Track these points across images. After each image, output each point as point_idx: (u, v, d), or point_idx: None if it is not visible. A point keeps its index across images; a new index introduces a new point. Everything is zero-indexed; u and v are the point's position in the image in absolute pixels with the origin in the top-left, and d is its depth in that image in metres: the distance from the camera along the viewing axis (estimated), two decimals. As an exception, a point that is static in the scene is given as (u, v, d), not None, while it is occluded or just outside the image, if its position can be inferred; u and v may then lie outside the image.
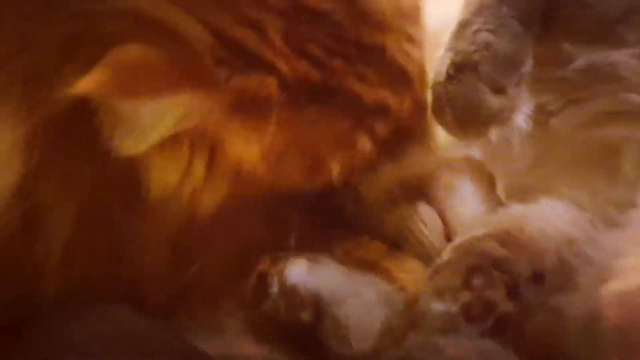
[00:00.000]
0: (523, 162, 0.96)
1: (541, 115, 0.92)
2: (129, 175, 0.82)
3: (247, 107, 0.80)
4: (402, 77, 0.88)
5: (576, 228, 0.88)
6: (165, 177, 0.82)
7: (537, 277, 0.84)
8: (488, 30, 0.87)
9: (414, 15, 0.89)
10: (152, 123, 0.77)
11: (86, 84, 0.73)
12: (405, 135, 0.90)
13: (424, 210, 0.98)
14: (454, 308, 0.80)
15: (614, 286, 0.75)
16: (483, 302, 0.81)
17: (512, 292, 0.82)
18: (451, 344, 0.77)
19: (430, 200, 0.99)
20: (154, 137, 0.78)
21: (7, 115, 0.80)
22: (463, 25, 0.89)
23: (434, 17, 1.01)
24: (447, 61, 0.87)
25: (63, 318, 0.86)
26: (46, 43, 0.80)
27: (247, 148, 0.82)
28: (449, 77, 0.87)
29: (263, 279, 0.91)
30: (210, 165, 0.83)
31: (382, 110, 0.87)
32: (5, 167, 0.81)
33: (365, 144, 0.87)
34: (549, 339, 0.80)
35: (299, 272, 0.91)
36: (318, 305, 0.89)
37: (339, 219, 1.01)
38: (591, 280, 0.78)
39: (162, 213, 0.84)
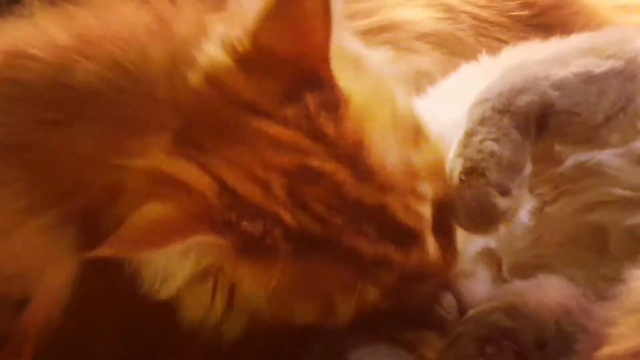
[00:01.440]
0: (523, 244, 1.01)
1: (539, 204, 0.98)
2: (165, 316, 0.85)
3: (254, 252, 0.82)
4: (405, 234, 0.86)
5: (572, 300, 0.93)
6: (194, 312, 0.85)
7: (541, 345, 0.90)
8: (492, 140, 0.91)
9: (434, 170, 0.90)
10: (173, 268, 0.81)
11: (107, 248, 0.77)
12: (413, 282, 0.90)
13: (443, 294, 1.01)
14: None
15: (606, 351, 0.78)
16: None
17: (521, 358, 0.88)
18: None
19: (447, 285, 1.02)
20: (178, 280, 0.82)
21: (62, 251, 0.86)
22: (469, 135, 0.93)
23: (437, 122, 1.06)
24: (459, 167, 0.91)
25: None
26: (92, 191, 0.85)
27: (256, 291, 0.84)
28: (461, 181, 0.91)
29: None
30: (229, 300, 0.85)
31: (384, 263, 0.86)
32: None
33: (371, 292, 0.87)
34: None
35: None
36: None
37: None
38: (587, 347, 0.82)
39: (193, 344, 0.87)
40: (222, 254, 0.81)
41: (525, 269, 1.00)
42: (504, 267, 1.03)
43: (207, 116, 0.86)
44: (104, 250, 0.76)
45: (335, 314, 0.87)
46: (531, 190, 0.97)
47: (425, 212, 0.87)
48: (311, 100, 0.85)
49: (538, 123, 0.95)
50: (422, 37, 1.26)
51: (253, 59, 0.86)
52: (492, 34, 1.31)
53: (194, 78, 0.87)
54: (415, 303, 0.95)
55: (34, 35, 0.92)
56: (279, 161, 0.83)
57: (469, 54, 1.18)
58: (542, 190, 0.98)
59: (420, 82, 1.16)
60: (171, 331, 0.87)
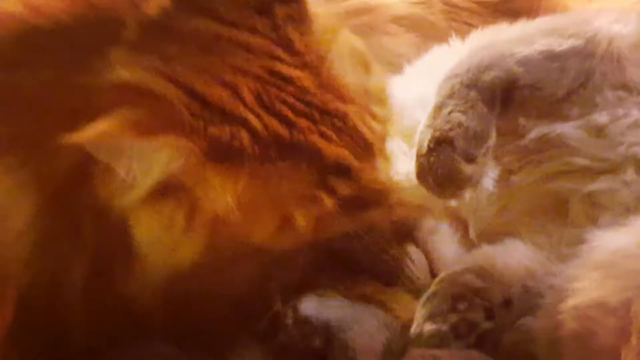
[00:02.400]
0: (490, 211, 1.05)
1: (504, 174, 1.02)
2: (124, 231, 0.84)
3: (222, 156, 0.82)
4: (363, 145, 0.88)
5: (536, 264, 0.98)
6: (151, 231, 0.85)
7: (507, 303, 0.95)
8: (460, 111, 0.96)
9: (379, 96, 0.92)
10: (144, 168, 0.80)
11: (87, 134, 0.76)
12: (365, 200, 0.90)
13: (413, 251, 1.07)
14: (444, 327, 0.92)
15: (570, 302, 0.83)
16: (467, 322, 0.92)
17: (489, 314, 0.94)
18: (446, 353, 0.88)
19: (417, 242, 1.08)
20: (146, 182, 0.81)
21: (22, 185, 0.85)
22: (439, 107, 0.98)
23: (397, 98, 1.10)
24: (428, 137, 0.97)
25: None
26: (50, 112, 0.84)
27: (222, 197, 0.83)
28: (430, 150, 0.96)
29: (277, 314, 0.99)
30: (189, 217, 0.84)
31: (343, 169, 0.87)
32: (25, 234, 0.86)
33: (327, 201, 0.87)
34: (520, 349, 0.91)
35: (311, 305, 1.00)
36: (328, 332, 0.98)
37: (341, 262, 1.08)
38: (553, 300, 0.87)
39: (148, 261, 0.86)
40: (191, 157, 0.81)
41: (493, 235, 1.05)
42: (472, 233, 1.08)
43: (168, 26, 0.87)
44: (82, 136, 0.76)
45: (294, 228, 0.88)
46: (497, 161, 1.02)
47: (379, 130, 0.90)
48: (279, 11, 0.88)
49: (503, 97, 0.99)
50: (397, 20, 1.30)
51: None
52: (462, 18, 1.36)
53: None
54: (372, 247, 1.02)
55: None
56: (247, 66, 0.85)
57: (441, 37, 1.22)
58: (508, 161, 1.03)
59: (395, 62, 1.22)
60: (126, 254, 0.86)
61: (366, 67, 0.94)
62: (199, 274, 0.87)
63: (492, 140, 0.98)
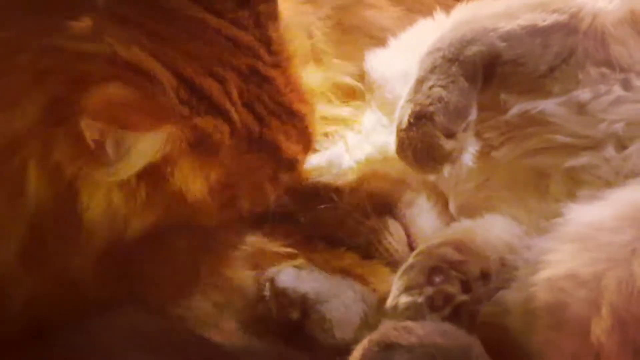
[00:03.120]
0: (470, 186, 1.06)
1: (485, 149, 1.02)
2: (71, 195, 0.84)
3: (201, 146, 0.85)
4: (309, 142, 0.97)
5: (514, 238, 0.99)
6: (108, 200, 0.85)
7: (484, 276, 0.96)
8: (441, 86, 0.96)
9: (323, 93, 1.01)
10: (141, 152, 0.81)
11: (98, 101, 0.78)
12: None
13: (391, 224, 1.08)
14: (420, 300, 0.92)
15: (544, 274, 0.84)
16: (443, 294, 0.93)
17: (465, 287, 0.94)
18: (419, 326, 0.87)
19: (395, 215, 1.09)
20: (132, 167, 0.82)
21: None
22: (420, 82, 0.98)
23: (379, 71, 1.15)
24: (408, 111, 0.96)
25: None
26: (20, 69, 0.83)
27: (192, 182, 0.86)
28: (410, 124, 0.95)
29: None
30: (152, 192, 0.86)
31: (292, 164, 0.95)
32: None
33: (270, 192, 0.94)
34: (495, 321, 0.91)
35: (288, 277, 1.01)
36: (305, 304, 0.99)
37: (318, 233, 1.10)
38: (526, 273, 0.88)
39: (95, 230, 0.87)
40: (177, 145, 0.84)
41: (473, 210, 1.06)
42: (452, 207, 1.08)
43: (153, 3, 0.88)
44: (87, 123, 0.77)
45: (237, 210, 0.94)
46: (478, 136, 1.01)
47: (317, 127, 0.99)
48: (262, 8, 0.91)
49: (485, 73, 0.99)
50: (382, -7, 1.29)
51: None
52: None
53: None
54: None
55: None
56: (234, 61, 0.88)
57: (426, 11, 1.21)
58: (489, 136, 1.03)
59: (379, 35, 1.21)
60: (70, 222, 0.87)
61: (318, 62, 1.01)
62: (141, 243, 0.90)
63: (473, 115, 0.98)
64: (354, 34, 1.24)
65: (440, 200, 1.10)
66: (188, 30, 0.87)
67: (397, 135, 0.98)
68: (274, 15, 0.92)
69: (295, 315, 1.00)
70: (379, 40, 1.21)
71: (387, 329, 0.89)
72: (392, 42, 1.21)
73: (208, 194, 0.89)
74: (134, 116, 0.80)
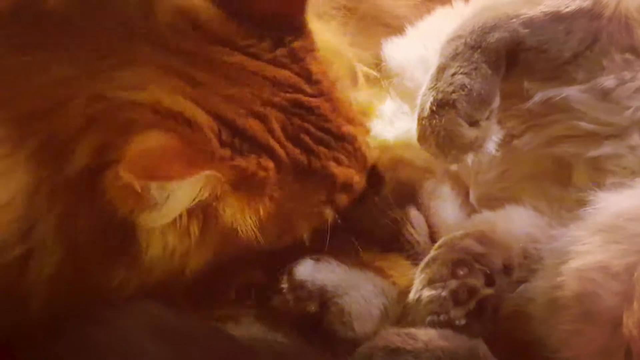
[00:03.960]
0: (491, 176, 1.05)
1: (506, 138, 1.01)
2: (125, 231, 0.85)
3: (246, 185, 0.87)
4: (363, 161, 0.97)
5: (536, 229, 0.98)
6: (164, 237, 0.86)
7: (507, 269, 0.95)
8: (463, 73, 0.95)
9: (365, 109, 1.00)
10: (179, 198, 0.82)
11: (136, 151, 0.79)
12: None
13: (413, 215, 1.06)
14: (443, 293, 0.91)
15: (573, 264, 0.84)
16: (467, 288, 0.92)
17: (489, 280, 0.93)
18: (422, 332, 0.88)
19: (418, 206, 1.07)
20: (174, 211, 0.84)
21: (18, 162, 0.85)
22: (442, 69, 0.97)
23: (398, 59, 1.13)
24: (430, 99, 0.95)
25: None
26: (69, 114, 0.85)
27: (242, 217, 0.88)
28: (432, 112, 0.95)
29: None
30: (204, 229, 0.88)
31: (348, 186, 0.96)
32: (11, 210, 0.86)
33: (329, 215, 0.96)
34: (518, 315, 0.90)
35: (306, 269, 0.99)
36: (323, 297, 0.98)
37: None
38: (553, 262, 0.87)
39: (153, 267, 0.88)
40: (219, 188, 0.85)
41: (494, 201, 1.05)
42: (473, 198, 1.07)
43: (195, 54, 0.90)
44: (123, 174, 0.78)
45: (295, 237, 0.97)
46: (500, 125, 1.00)
47: (369, 143, 1.00)
48: (296, 44, 0.94)
49: (508, 59, 0.97)
50: (396, -19, 1.28)
51: (233, 3, 0.92)
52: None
53: (166, 14, 0.91)
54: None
55: None
56: (274, 98, 0.91)
57: (442, 0, 1.20)
58: (511, 125, 1.02)
59: (394, 24, 1.21)
60: (129, 251, 0.88)
61: (355, 82, 1.01)
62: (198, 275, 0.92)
63: (496, 103, 0.97)
64: (370, 22, 1.22)
65: (463, 190, 1.09)
66: (227, 76, 0.90)
67: (419, 123, 0.97)
68: (310, 48, 0.95)
69: (313, 308, 0.98)
70: (394, 28, 1.20)
71: (389, 334, 0.89)
72: (410, 31, 1.19)
73: (261, 227, 0.90)
74: (171, 164, 0.81)
